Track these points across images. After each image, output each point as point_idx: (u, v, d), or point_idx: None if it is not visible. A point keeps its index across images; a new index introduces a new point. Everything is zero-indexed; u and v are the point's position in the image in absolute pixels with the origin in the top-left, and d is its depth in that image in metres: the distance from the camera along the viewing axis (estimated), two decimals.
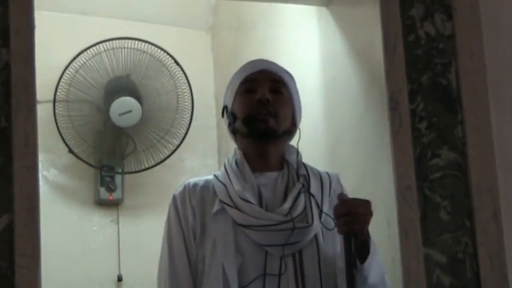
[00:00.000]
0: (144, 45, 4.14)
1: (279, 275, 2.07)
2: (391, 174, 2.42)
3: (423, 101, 2.48)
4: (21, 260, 2.08)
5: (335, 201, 2.16)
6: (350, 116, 2.82)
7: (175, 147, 4.23)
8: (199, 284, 2.11)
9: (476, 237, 2.40)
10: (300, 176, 2.21)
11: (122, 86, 4.12)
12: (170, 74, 4.19)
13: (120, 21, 4.36)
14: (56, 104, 4.05)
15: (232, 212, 2.12)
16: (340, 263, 2.08)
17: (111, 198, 4.19)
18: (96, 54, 4.09)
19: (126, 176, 4.24)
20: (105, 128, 4.15)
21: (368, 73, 2.70)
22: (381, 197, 2.49)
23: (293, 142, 2.31)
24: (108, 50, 4.10)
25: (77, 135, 4.09)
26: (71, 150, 4.08)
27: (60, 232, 3.97)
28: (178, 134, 4.23)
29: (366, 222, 2.03)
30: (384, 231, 2.47)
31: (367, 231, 2.05)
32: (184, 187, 2.22)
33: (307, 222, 2.12)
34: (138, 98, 4.12)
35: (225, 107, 2.30)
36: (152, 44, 4.14)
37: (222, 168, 2.25)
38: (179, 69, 4.19)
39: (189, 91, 4.22)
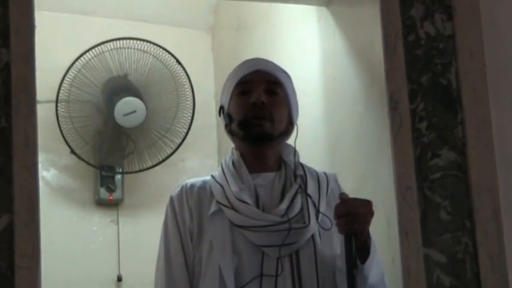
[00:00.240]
0: (146, 45, 4.14)
1: (276, 275, 2.06)
2: (391, 174, 2.42)
3: (423, 101, 2.48)
4: (21, 260, 2.08)
5: (333, 201, 2.16)
6: (350, 116, 2.82)
7: (175, 147, 4.22)
8: (196, 285, 2.11)
9: (476, 237, 2.40)
10: (297, 176, 2.21)
11: (122, 86, 4.12)
12: (171, 73, 4.19)
13: (120, 21, 4.36)
14: (57, 104, 4.05)
15: (229, 212, 2.12)
16: (340, 263, 2.07)
17: (111, 198, 4.18)
18: (97, 54, 4.09)
19: (126, 176, 4.23)
20: (105, 128, 4.15)
21: (368, 73, 2.70)
22: (381, 197, 2.49)
23: (291, 140, 2.30)
24: (109, 50, 4.10)
25: (77, 136, 4.09)
26: (73, 151, 4.08)
27: (60, 232, 3.96)
28: (179, 134, 4.23)
29: (367, 222, 2.03)
30: (384, 231, 2.47)
31: (368, 231, 2.05)
32: (182, 188, 2.22)
33: (304, 223, 2.11)
34: (140, 98, 4.11)
35: (221, 107, 2.30)
36: (154, 44, 4.14)
37: (219, 168, 2.25)
38: (181, 69, 4.19)
39: (190, 91, 4.22)
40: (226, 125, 2.27)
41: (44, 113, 3.89)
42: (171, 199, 2.22)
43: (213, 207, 2.15)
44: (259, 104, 2.18)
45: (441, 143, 2.47)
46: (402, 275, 2.34)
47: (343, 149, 2.89)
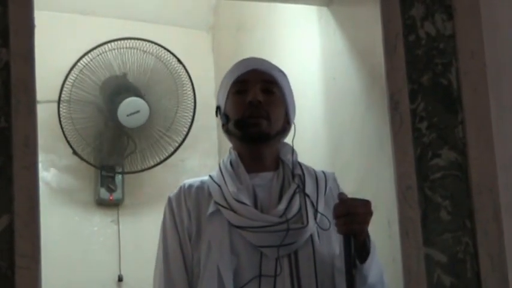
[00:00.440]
0: (147, 45, 4.14)
1: (275, 276, 2.06)
2: (391, 174, 2.42)
3: (424, 101, 2.48)
4: (21, 261, 2.07)
5: (331, 200, 2.16)
6: (351, 116, 2.82)
7: (176, 147, 4.22)
8: (195, 285, 2.11)
9: (476, 237, 2.40)
10: (295, 175, 2.20)
11: (123, 86, 4.12)
12: (172, 73, 4.19)
13: (120, 21, 4.36)
14: (59, 104, 4.05)
15: (227, 213, 2.12)
16: (339, 263, 2.07)
17: (111, 198, 4.18)
18: (98, 54, 4.09)
19: (127, 176, 4.23)
20: (106, 128, 4.14)
21: (368, 73, 2.70)
22: (382, 197, 2.49)
23: (289, 139, 2.30)
24: (111, 50, 4.10)
25: (78, 136, 4.09)
26: (75, 152, 4.08)
27: (60, 232, 3.97)
28: (180, 133, 4.23)
29: (366, 222, 2.02)
30: (384, 231, 2.47)
31: (367, 231, 2.04)
32: (180, 189, 2.22)
33: (302, 223, 2.11)
34: (141, 98, 4.11)
35: (218, 107, 2.29)
36: (156, 44, 4.14)
37: (217, 168, 2.25)
38: (182, 68, 4.19)
39: (191, 90, 4.22)
40: (223, 125, 2.27)
41: (44, 113, 3.89)
42: (169, 200, 2.22)
43: (211, 208, 2.14)
44: (255, 103, 2.17)
45: (441, 143, 2.46)
46: (403, 275, 2.34)
47: (344, 149, 2.89)
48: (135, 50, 4.13)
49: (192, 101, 4.23)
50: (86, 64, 4.08)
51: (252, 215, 2.10)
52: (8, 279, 2.06)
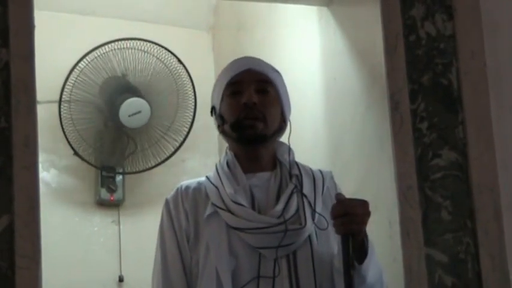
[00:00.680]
0: (148, 45, 4.14)
1: (273, 277, 2.06)
2: (392, 174, 2.42)
3: (424, 101, 2.48)
4: (21, 261, 2.07)
5: (329, 199, 2.16)
6: (351, 116, 2.82)
7: (176, 147, 4.22)
8: (194, 287, 2.10)
9: (477, 237, 2.40)
10: (292, 176, 2.19)
11: (124, 86, 4.12)
12: (172, 74, 4.19)
13: (120, 21, 4.36)
14: (60, 105, 4.05)
15: (225, 215, 2.11)
16: (338, 263, 2.06)
17: (112, 198, 4.18)
18: (99, 55, 4.09)
19: (127, 176, 4.23)
20: (106, 128, 4.14)
21: (369, 73, 2.70)
22: (382, 197, 2.49)
23: (285, 137, 2.28)
24: (112, 50, 4.09)
25: (78, 137, 4.09)
26: (76, 153, 4.07)
27: (60, 233, 3.96)
28: (181, 133, 4.23)
29: (364, 222, 2.01)
30: (385, 231, 2.47)
31: (365, 231, 2.04)
32: (177, 190, 2.21)
33: (300, 224, 2.10)
34: (142, 99, 4.11)
35: (213, 108, 2.28)
36: (157, 44, 4.14)
37: (214, 169, 2.24)
38: (182, 68, 4.19)
39: (191, 90, 4.22)
40: (218, 126, 2.26)
41: (44, 114, 3.89)
42: (167, 202, 2.21)
43: (209, 210, 2.14)
44: (250, 104, 2.16)
45: (442, 143, 2.46)
46: (404, 275, 2.34)
47: (344, 149, 2.89)
48: (136, 50, 4.13)
49: (193, 101, 4.23)
50: (87, 64, 4.08)
51: (249, 216, 2.10)
52: (8, 279, 2.06)
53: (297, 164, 2.24)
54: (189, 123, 4.23)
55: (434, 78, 2.51)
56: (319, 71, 3.13)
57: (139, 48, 4.13)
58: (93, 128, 4.12)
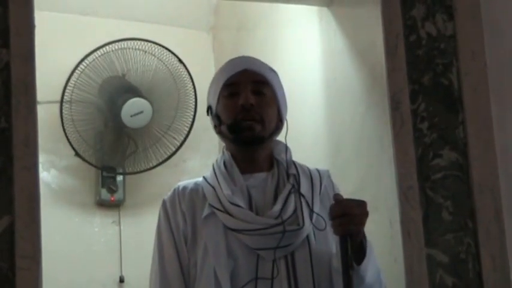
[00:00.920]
0: (148, 45, 4.14)
1: (272, 278, 2.05)
2: (393, 175, 2.42)
3: (424, 101, 2.48)
4: (22, 262, 2.07)
5: (326, 198, 2.15)
6: (351, 117, 2.82)
7: (177, 147, 4.22)
8: (192, 287, 2.10)
9: (478, 237, 2.40)
10: (289, 175, 2.18)
11: (124, 86, 4.12)
12: (172, 74, 4.19)
13: (120, 22, 4.35)
14: (62, 105, 4.05)
15: (222, 216, 2.10)
16: (336, 263, 2.06)
17: (112, 199, 4.17)
18: (100, 55, 4.08)
19: (128, 176, 4.23)
20: (106, 128, 4.14)
21: (369, 73, 2.70)
22: (383, 198, 2.49)
23: (281, 136, 2.26)
24: (113, 50, 4.09)
25: (79, 137, 4.08)
26: (77, 154, 4.07)
27: (61, 233, 3.96)
28: (181, 133, 4.23)
29: (362, 223, 1.99)
30: (386, 231, 2.47)
31: (363, 231, 2.03)
32: (174, 191, 2.20)
33: (298, 225, 2.09)
34: (143, 99, 4.11)
35: (209, 107, 2.28)
36: (158, 45, 4.14)
37: (211, 169, 2.23)
38: (183, 68, 4.19)
39: (192, 90, 4.22)
40: (215, 126, 2.25)
41: (45, 114, 3.89)
42: (164, 203, 2.20)
43: (206, 211, 2.12)
44: (248, 106, 2.15)
45: (442, 143, 2.46)
46: (405, 275, 2.34)
47: (345, 150, 2.88)
48: (136, 51, 4.13)
49: (193, 101, 4.22)
50: (88, 65, 4.08)
51: (247, 217, 2.09)
52: (9, 280, 2.06)
53: (294, 163, 2.22)
54: (190, 123, 4.23)
55: (435, 78, 2.51)
56: (320, 71, 3.12)
57: (140, 48, 4.13)
58: (93, 129, 4.12)
